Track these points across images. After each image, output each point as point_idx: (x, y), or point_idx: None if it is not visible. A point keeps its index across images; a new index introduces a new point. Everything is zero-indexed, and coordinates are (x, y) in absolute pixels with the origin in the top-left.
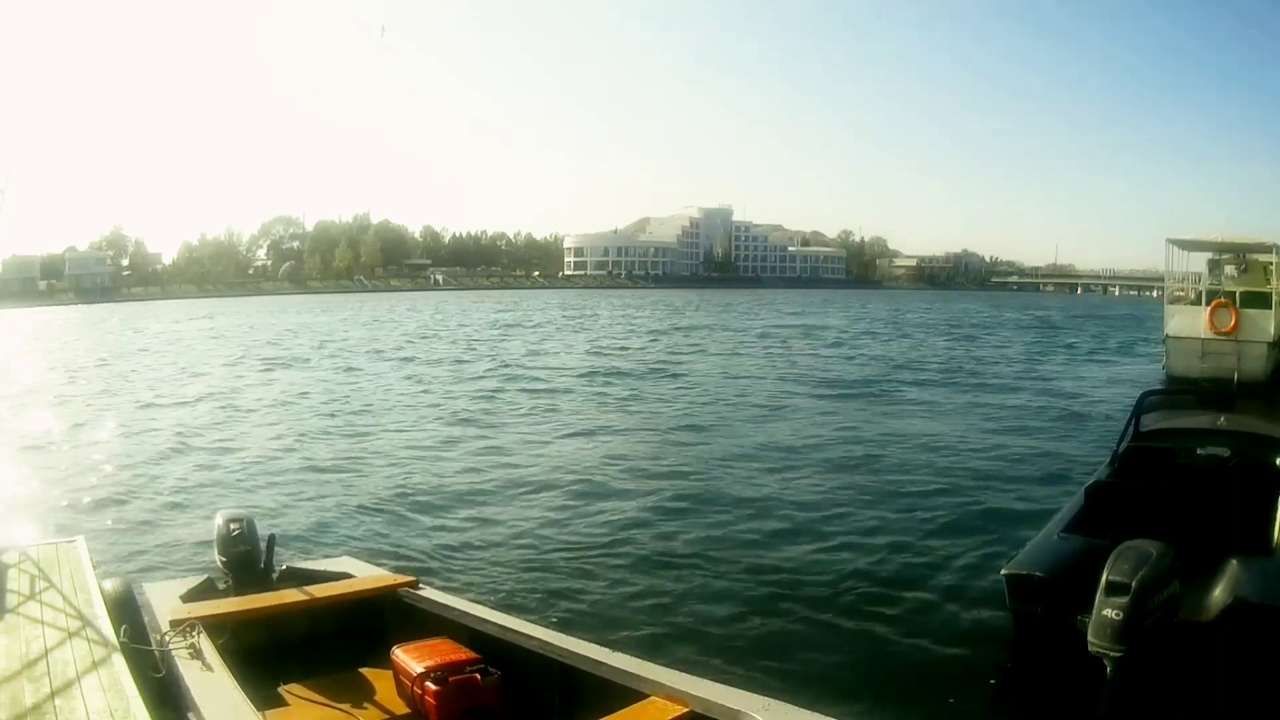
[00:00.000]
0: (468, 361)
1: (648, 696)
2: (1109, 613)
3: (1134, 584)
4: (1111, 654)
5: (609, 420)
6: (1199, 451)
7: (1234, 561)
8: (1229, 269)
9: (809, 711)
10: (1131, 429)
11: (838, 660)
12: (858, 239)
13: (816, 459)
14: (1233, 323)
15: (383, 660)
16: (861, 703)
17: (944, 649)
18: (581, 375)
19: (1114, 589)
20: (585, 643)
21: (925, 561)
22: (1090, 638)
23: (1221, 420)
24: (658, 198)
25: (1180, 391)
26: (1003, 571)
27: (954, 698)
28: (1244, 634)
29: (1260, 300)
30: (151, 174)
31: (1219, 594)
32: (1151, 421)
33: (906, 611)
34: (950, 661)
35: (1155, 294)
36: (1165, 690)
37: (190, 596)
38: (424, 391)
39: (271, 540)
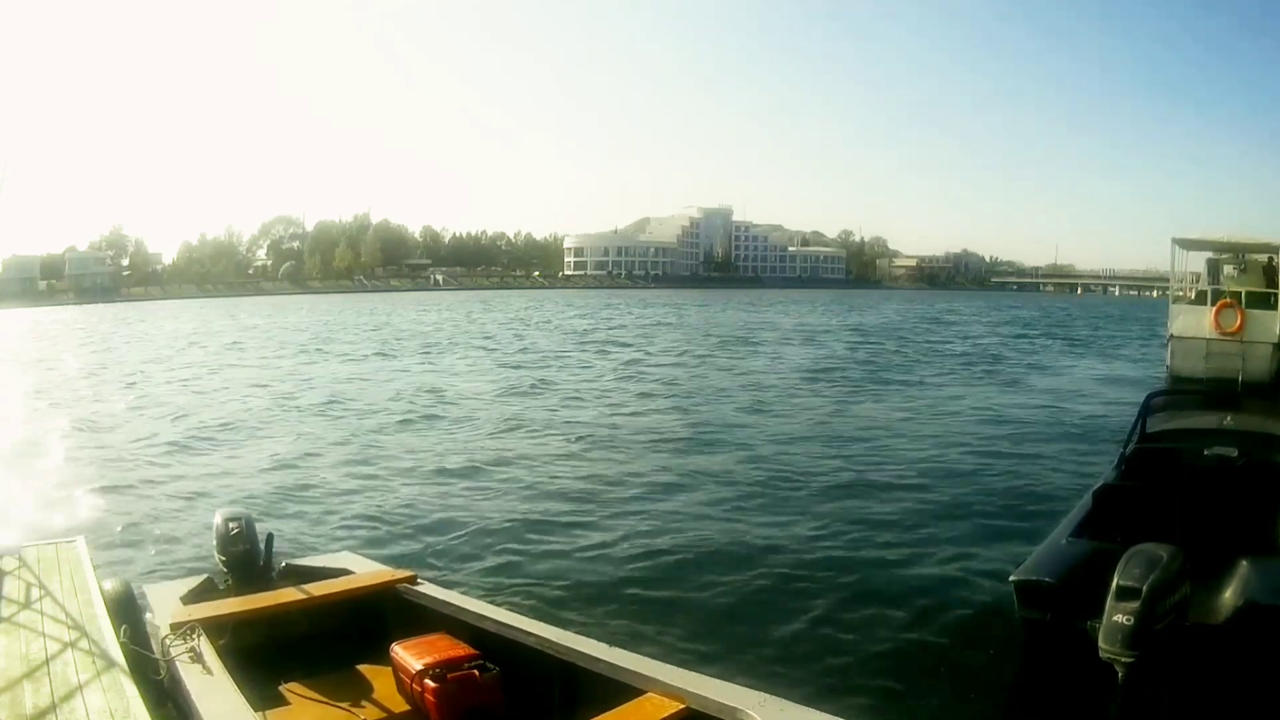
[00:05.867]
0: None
1: (645, 693)
2: (1120, 618)
3: (1145, 588)
4: (1123, 659)
5: (613, 414)
6: (1206, 452)
7: (1244, 563)
8: (1228, 269)
9: (805, 708)
10: (1138, 431)
11: (841, 664)
12: (858, 239)
13: (819, 459)
14: (1238, 323)
15: (382, 657)
16: (866, 708)
17: (951, 655)
18: (584, 370)
19: (1125, 594)
20: (584, 639)
21: (931, 566)
22: (1101, 643)
23: (1228, 421)
24: (658, 198)
25: (1186, 392)
26: (1011, 578)
27: (963, 704)
28: (1255, 636)
29: (1265, 301)
30: (151, 174)
31: (1229, 596)
32: (1158, 423)
33: (913, 617)
34: (958, 667)
35: (1155, 294)
36: (1177, 695)
37: (190, 597)
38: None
39: (270, 539)
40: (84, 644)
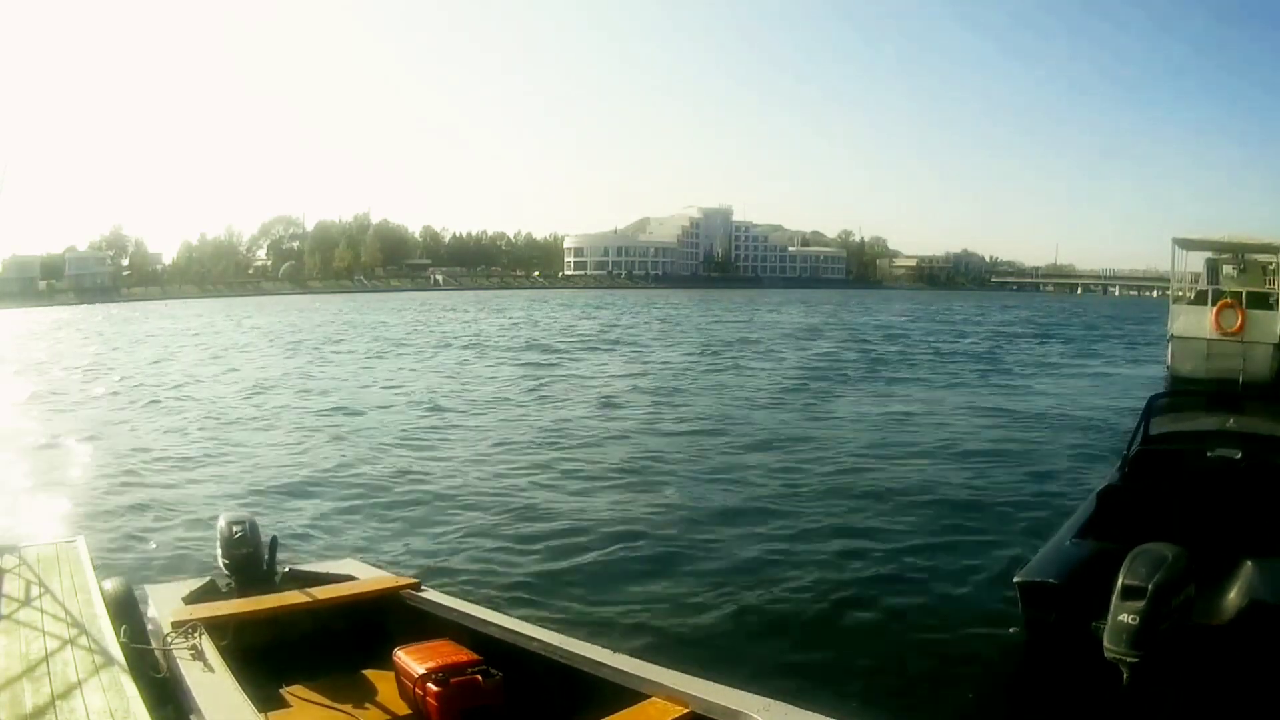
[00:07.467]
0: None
1: (649, 697)
2: (1125, 617)
3: (1150, 588)
4: (1128, 659)
5: (619, 422)
6: (1209, 454)
7: (1248, 564)
8: (1227, 269)
9: (810, 712)
10: (1141, 432)
11: (844, 666)
12: (858, 239)
13: (821, 461)
14: (1239, 323)
15: (385, 662)
16: (869, 710)
17: (956, 656)
18: (587, 371)
19: (1130, 593)
20: (587, 644)
21: (935, 568)
22: (1106, 643)
23: (1230, 422)
24: (658, 198)
25: (1189, 393)
26: (1015, 578)
27: (968, 705)
28: (1260, 636)
29: (1265, 301)
30: (151, 174)
31: (1233, 597)
32: (1160, 424)
33: (916, 619)
34: (963, 669)
35: (1155, 294)
36: (1182, 695)
37: (192, 598)
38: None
39: (274, 542)
40: (84, 643)
